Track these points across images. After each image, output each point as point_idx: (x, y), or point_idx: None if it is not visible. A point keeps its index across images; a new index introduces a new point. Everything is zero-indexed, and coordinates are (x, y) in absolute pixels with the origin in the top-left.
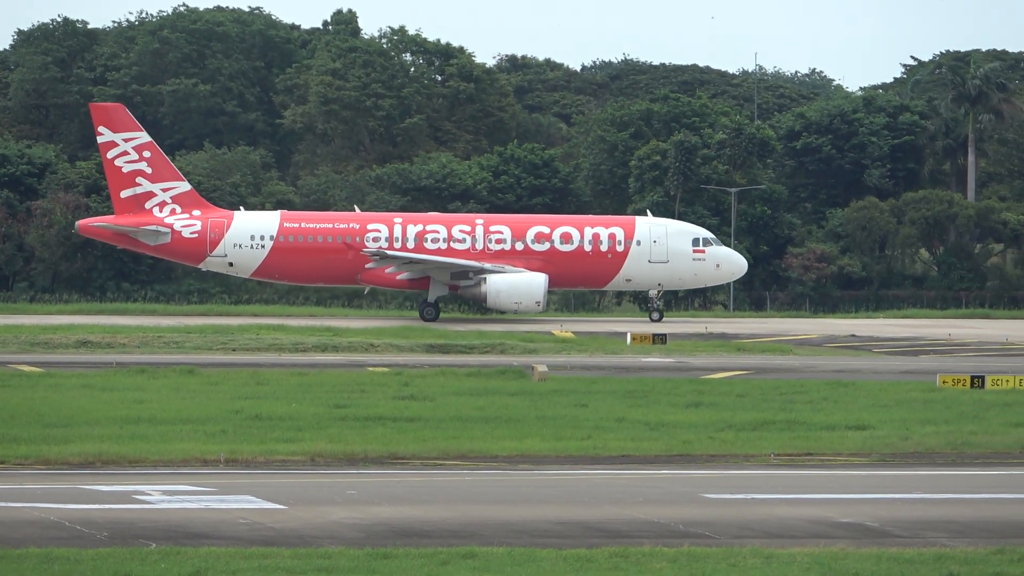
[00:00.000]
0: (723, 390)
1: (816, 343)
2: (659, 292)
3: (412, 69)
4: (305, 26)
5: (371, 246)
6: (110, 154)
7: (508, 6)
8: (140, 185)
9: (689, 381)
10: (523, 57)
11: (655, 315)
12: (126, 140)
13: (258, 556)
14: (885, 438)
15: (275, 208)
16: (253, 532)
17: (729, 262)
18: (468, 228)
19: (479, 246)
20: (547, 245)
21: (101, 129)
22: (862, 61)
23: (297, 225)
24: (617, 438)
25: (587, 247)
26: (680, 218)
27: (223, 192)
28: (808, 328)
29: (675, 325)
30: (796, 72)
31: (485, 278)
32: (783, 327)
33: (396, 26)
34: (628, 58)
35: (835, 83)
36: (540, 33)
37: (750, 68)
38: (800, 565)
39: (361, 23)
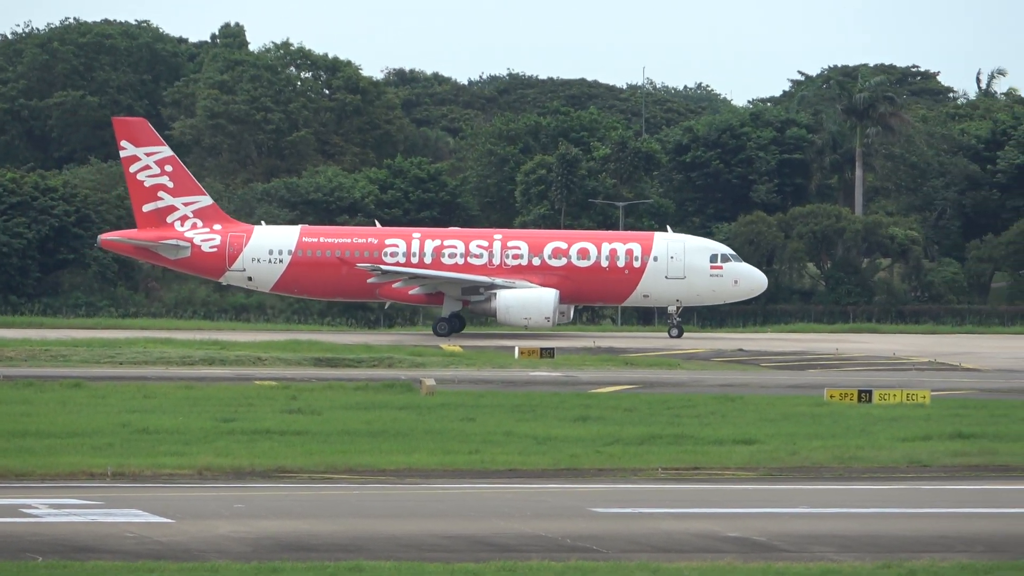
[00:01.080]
0: (611, 404)
1: (704, 357)
2: (678, 308)
3: (299, 83)
4: (193, 39)
5: (389, 261)
6: (132, 168)
7: (396, 20)
8: (162, 199)
9: (577, 395)
10: (411, 71)
11: (674, 331)
12: (148, 154)
13: (145, 570)
14: (772, 452)
15: None
16: (140, 546)
17: (748, 279)
18: (485, 243)
19: (496, 261)
20: (564, 261)
21: (123, 143)
22: (750, 75)
23: (316, 240)
24: (505, 452)
25: (604, 263)
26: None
27: (110, 205)
28: (696, 342)
29: (564, 340)
30: (684, 86)
31: (495, 293)
32: (671, 341)
33: (283, 40)
34: (514, 72)
35: (722, 97)
36: (428, 47)
37: (638, 82)
38: None
39: (249, 37)
